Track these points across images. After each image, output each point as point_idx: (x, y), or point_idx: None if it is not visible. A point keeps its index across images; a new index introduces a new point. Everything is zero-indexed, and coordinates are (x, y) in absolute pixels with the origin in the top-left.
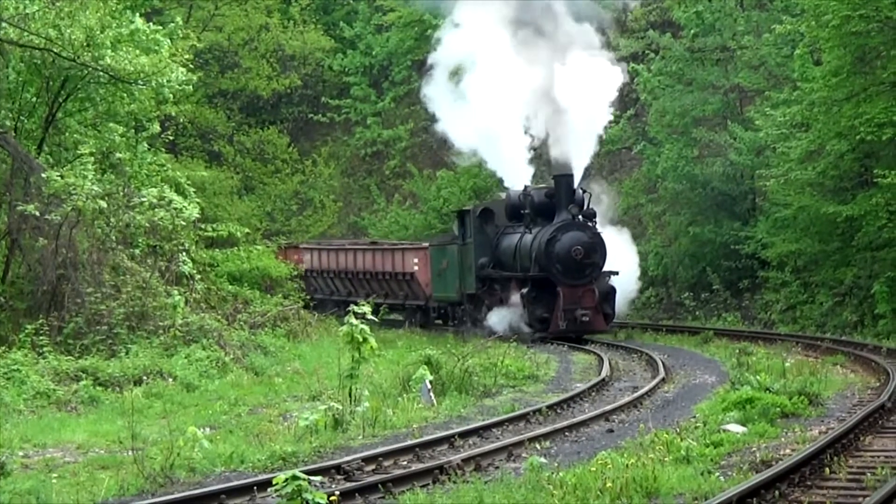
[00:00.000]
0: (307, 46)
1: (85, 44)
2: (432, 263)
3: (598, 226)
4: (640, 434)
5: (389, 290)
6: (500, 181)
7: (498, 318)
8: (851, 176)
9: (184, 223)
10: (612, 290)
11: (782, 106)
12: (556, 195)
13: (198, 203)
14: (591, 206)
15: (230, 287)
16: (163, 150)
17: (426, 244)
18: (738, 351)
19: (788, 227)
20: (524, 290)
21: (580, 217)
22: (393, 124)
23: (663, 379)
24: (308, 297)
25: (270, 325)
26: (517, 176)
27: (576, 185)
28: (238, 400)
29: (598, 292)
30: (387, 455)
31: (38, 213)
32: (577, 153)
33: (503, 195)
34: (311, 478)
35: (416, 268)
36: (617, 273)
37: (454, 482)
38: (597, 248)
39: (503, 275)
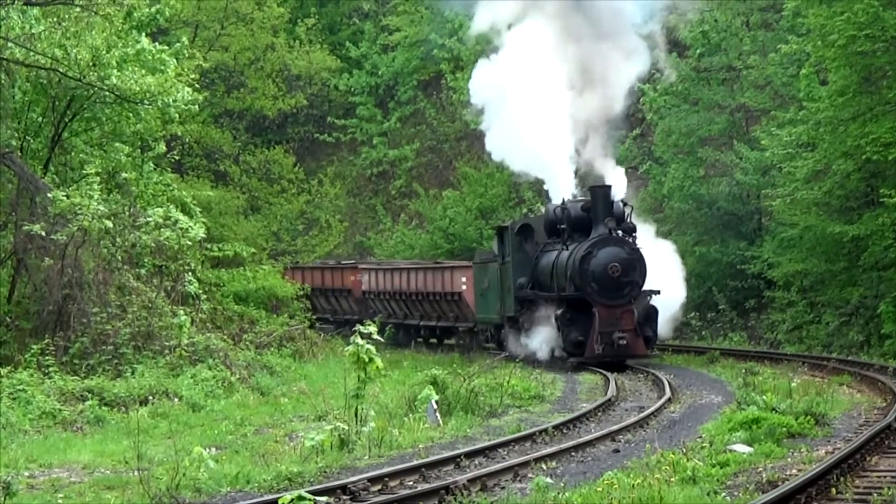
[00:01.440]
0: (313, 66)
1: (91, 63)
2: (476, 283)
3: (639, 240)
4: (647, 454)
5: (441, 311)
6: (545, 193)
7: (537, 343)
8: (857, 196)
9: (189, 243)
10: (654, 311)
11: (788, 125)
12: (592, 208)
13: (203, 223)
14: (631, 221)
15: (236, 307)
16: (169, 169)
17: (471, 262)
18: (744, 371)
19: (794, 246)
20: (558, 312)
21: (618, 231)
22: (399, 144)
23: (669, 399)
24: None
25: (276, 345)
26: (560, 187)
27: (616, 197)
28: (244, 420)
29: (637, 313)
30: (393, 475)
31: (43, 233)
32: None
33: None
34: (317, 498)
35: (464, 287)
36: (658, 292)
37: (460, 502)
38: (636, 265)
39: (539, 295)
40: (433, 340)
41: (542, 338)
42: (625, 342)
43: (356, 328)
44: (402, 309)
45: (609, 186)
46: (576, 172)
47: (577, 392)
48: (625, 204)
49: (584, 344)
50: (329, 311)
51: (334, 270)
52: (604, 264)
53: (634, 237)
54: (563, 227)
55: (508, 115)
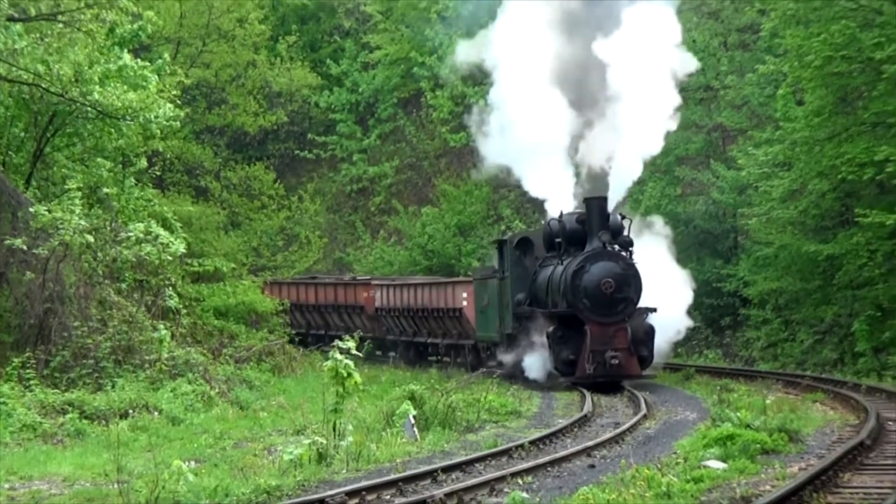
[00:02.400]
0: (294, 83)
1: (73, 79)
2: (476, 299)
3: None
4: (622, 470)
5: (445, 328)
6: (542, 204)
7: (532, 362)
8: (832, 215)
9: (170, 258)
10: (651, 330)
11: (765, 145)
12: (587, 221)
13: (184, 238)
14: (628, 235)
15: (216, 322)
16: (150, 185)
17: (472, 278)
18: (719, 388)
19: (770, 265)
20: (549, 329)
21: (614, 245)
22: (378, 161)
23: (645, 415)
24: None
25: (256, 360)
26: (560, 200)
27: (617, 210)
28: (223, 434)
29: (631, 331)
30: (370, 489)
31: (25, 247)
32: (616, 173)
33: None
34: None
35: (464, 303)
36: (655, 310)
37: None
38: (630, 281)
39: (535, 312)
40: (446, 359)
41: (537, 356)
42: (617, 362)
43: (334, 344)
44: (411, 326)
45: (604, 198)
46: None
47: (553, 408)
48: (623, 217)
49: (576, 363)
50: (342, 328)
51: (347, 286)
52: (597, 280)
53: (631, 252)
54: (558, 240)
55: (512, 136)
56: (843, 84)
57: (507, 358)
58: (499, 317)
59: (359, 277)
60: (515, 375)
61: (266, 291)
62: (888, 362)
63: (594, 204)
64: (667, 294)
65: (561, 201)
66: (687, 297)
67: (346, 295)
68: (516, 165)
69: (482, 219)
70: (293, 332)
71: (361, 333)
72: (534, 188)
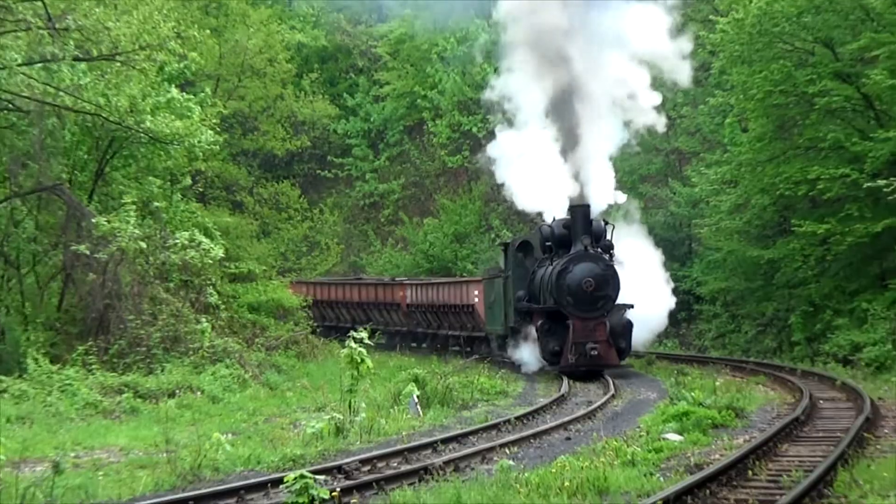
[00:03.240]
0: (315, 113)
1: (129, 110)
2: (485, 296)
3: (616, 259)
4: (594, 441)
5: (461, 322)
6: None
7: (527, 353)
8: (772, 225)
9: (211, 261)
10: (628, 324)
11: (714, 166)
12: (572, 226)
13: (222, 244)
14: (610, 239)
15: (249, 315)
16: (193, 199)
17: (482, 277)
18: (676, 372)
19: (719, 267)
20: (538, 323)
21: (595, 248)
22: (387, 179)
23: (613, 395)
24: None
25: (283, 348)
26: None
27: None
28: (255, 410)
29: (610, 325)
30: (380, 458)
31: (88, 252)
32: (597, 185)
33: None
34: (317, 476)
35: (476, 300)
36: (632, 306)
37: (437, 481)
38: (609, 281)
39: (529, 307)
40: (467, 349)
41: (533, 347)
42: (596, 353)
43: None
44: (435, 320)
45: (587, 206)
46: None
47: (535, 389)
48: (606, 223)
49: (561, 353)
50: (382, 322)
51: (386, 286)
52: (579, 279)
53: (612, 254)
54: (548, 243)
55: (516, 165)
56: (781, 114)
57: (510, 348)
58: (504, 312)
59: (396, 279)
60: (519, 363)
61: (315, 291)
62: (819, 350)
63: (578, 211)
64: (653, 292)
65: (555, 210)
66: (668, 295)
67: (384, 293)
68: (516, 182)
69: (475, 228)
70: (334, 325)
71: (398, 327)
72: (535, 199)
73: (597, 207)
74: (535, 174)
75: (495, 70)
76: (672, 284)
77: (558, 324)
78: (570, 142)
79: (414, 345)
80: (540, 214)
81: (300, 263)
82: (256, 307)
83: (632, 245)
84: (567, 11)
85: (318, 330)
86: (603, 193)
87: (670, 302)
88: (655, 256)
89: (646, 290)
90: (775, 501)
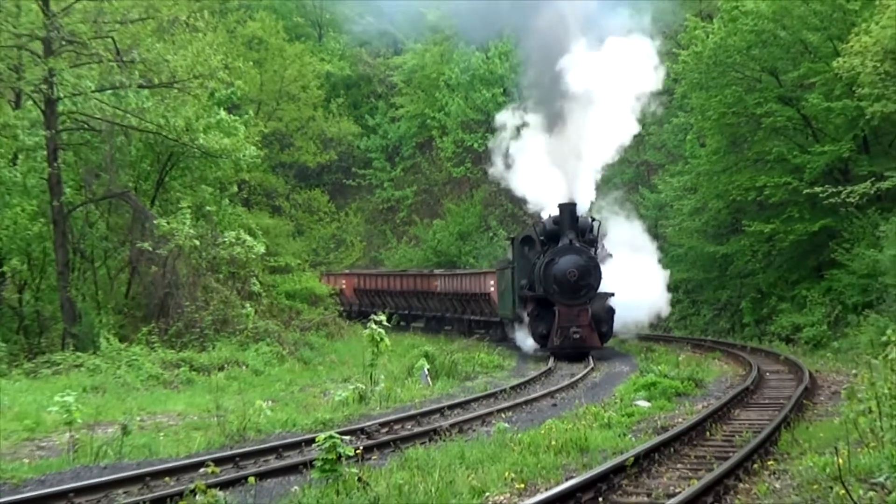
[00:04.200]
0: (341, 132)
1: (185, 129)
2: (498, 285)
3: (599, 251)
4: (576, 407)
5: (480, 308)
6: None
7: (523, 335)
8: (726, 225)
9: (254, 256)
10: (610, 310)
11: (677, 175)
12: (560, 222)
13: (264, 242)
14: (595, 234)
15: (286, 301)
16: (239, 204)
17: (495, 268)
18: (645, 349)
19: (681, 261)
20: (529, 309)
21: (579, 242)
22: (402, 187)
23: (592, 368)
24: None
25: (315, 329)
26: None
27: (587, 214)
28: (291, 381)
29: (593, 312)
30: (396, 421)
31: (151, 249)
32: (583, 186)
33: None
34: (343, 437)
35: (491, 288)
36: (613, 294)
37: (444, 441)
38: (591, 271)
39: (526, 295)
40: (486, 331)
41: (527, 331)
42: (579, 336)
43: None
44: (460, 306)
45: (574, 204)
46: None
47: (527, 364)
48: (593, 220)
49: (549, 336)
50: (419, 308)
51: (422, 277)
52: (563, 270)
53: (596, 248)
54: (541, 238)
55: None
56: (733, 131)
57: (515, 331)
58: (511, 299)
59: (430, 270)
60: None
61: (364, 281)
62: (766, 330)
63: (565, 209)
64: (647, 282)
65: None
66: (662, 286)
67: (420, 283)
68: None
69: (476, 228)
70: (389, 312)
71: (433, 313)
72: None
73: (587, 206)
74: (537, 176)
75: (504, 92)
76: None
77: (546, 310)
78: (562, 150)
79: (448, 328)
80: (538, 212)
81: (329, 258)
82: (292, 294)
83: (630, 241)
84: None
85: (365, 313)
86: (590, 194)
87: (663, 291)
88: (651, 251)
89: (640, 281)
90: (729, 457)
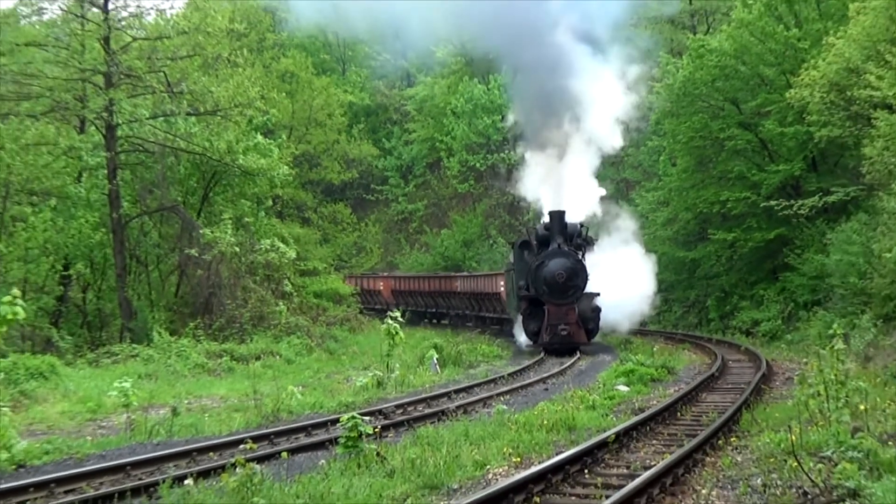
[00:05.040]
0: (362, 153)
1: (227, 151)
2: (506, 285)
3: (586, 255)
4: (565, 391)
5: (493, 306)
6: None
7: (519, 332)
8: (694, 234)
9: (286, 261)
10: (596, 309)
11: (652, 191)
12: (550, 228)
13: (295, 249)
14: (582, 239)
15: (314, 300)
16: (273, 215)
17: (504, 270)
18: (624, 341)
19: (656, 264)
20: (523, 308)
21: (567, 246)
22: (414, 201)
23: (578, 358)
24: (458, 313)
25: (339, 324)
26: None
27: (575, 221)
28: (319, 369)
29: (579, 310)
30: (409, 403)
31: (197, 255)
32: (572, 199)
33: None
34: (363, 417)
35: (501, 288)
36: (599, 294)
37: (451, 420)
38: (578, 273)
39: (521, 295)
40: (496, 327)
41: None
42: (566, 332)
43: (388, 314)
44: (476, 304)
45: (563, 211)
46: None
47: (522, 354)
48: (581, 225)
49: (539, 333)
50: (444, 307)
51: (445, 278)
52: (552, 272)
53: (583, 252)
54: (534, 242)
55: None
56: (700, 153)
57: (516, 327)
58: (514, 298)
59: (452, 272)
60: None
61: (399, 283)
62: (728, 324)
63: (555, 215)
64: (639, 285)
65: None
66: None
67: (445, 284)
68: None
69: (478, 236)
70: (414, 310)
71: (455, 310)
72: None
73: (577, 214)
74: (538, 186)
75: (502, 119)
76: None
77: (538, 308)
78: (553, 164)
79: (469, 324)
80: (534, 220)
81: (351, 263)
82: (319, 294)
83: (624, 248)
84: (555, 83)
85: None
86: (579, 203)
87: (650, 292)
88: (642, 257)
89: (630, 283)
90: (697, 434)
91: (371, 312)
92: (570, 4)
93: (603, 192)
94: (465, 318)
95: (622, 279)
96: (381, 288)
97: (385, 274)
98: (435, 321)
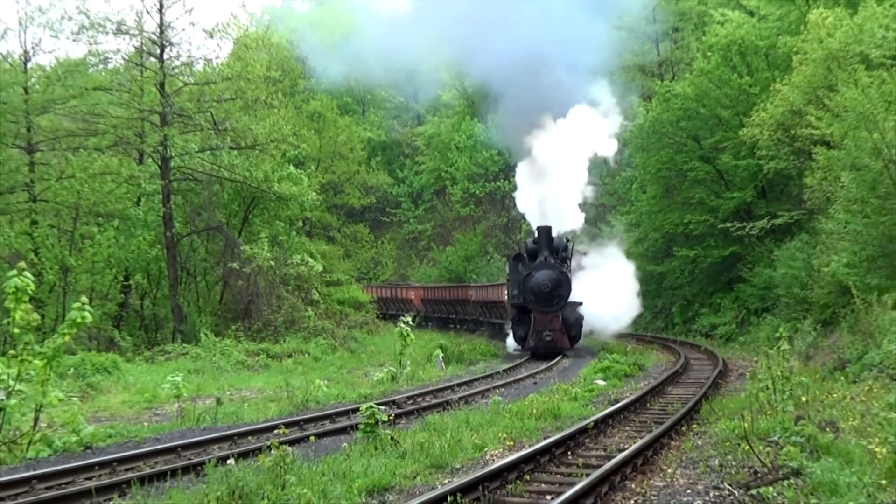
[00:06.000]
0: (379, 182)
1: (263, 179)
2: (507, 294)
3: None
4: (551, 385)
5: (498, 313)
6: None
7: (509, 337)
8: (661, 251)
9: (314, 273)
10: (579, 317)
11: (626, 214)
12: (538, 242)
13: (321, 263)
14: (567, 253)
15: (338, 306)
16: (303, 234)
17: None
18: (602, 342)
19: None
20: (512, 315)
21: (553, 259)
22: (423, 222)
23: (563, 357)
24: (473, 318)
25: (359, 327)
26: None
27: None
28: (341, 366)
29: (563, 318)
30: (419, 395)
31: (238, 268)
32: (557, 216)
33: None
34: (380, 406)
35: (504, 297)
36: (581, 303)
37: (454, 409)
38: (562, 284)
39: (512, 303)
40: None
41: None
42: (550, 338)
43: (402, 318)
44: (487, 312)
45: (549, 227)
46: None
47: (515, 353)
48: (567, 240)
49: (526, 338)
50: (461, 313)
51: (461, 288)
52: (539, 282)
53: (568, 265)
54: (524, 255)
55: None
56: (667, 182)
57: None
58: (509, 306)
59: (470, 284)
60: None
61: (427, 292)
62: (690, 328)
63: (542, 230)
64: (621, 295)
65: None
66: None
67: (462, 293)
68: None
69: (477, 252)
70: (436, 315)
71: (470, 317)
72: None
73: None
74: (530, 204)
75: (498, 153)
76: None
77: (525, 315)
78: (540, 187)
79: (483, 329)
80: (524, 236)
81: (369, 275)
82: (342, 301)
83: (612, 262)
84: (542, 120)
85: (430, 319)
86: (565, 220)
87: (635, 302)
88: (629, 271)
89: (616, 294)
90: (664, 422)
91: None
92: (560, 48)
93: (582, 216)
94: (479, 323)
95: (609, 293)
96: (413, 297)
97: (416, 284)
98: (457, 326)
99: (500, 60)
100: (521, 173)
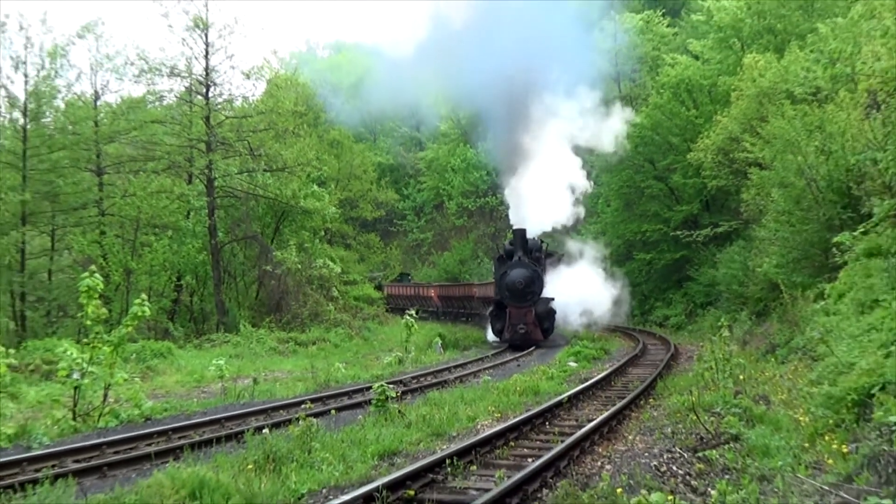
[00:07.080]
0: (387, 198)
1: (292, 196)
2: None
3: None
4: (532, 367)
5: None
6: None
7: (489, 330)
8: (623, 255)
9: (334, 274)
10: (551, 311)
11: (593, 224)
12: (514, 244)
13: (340, 265)
14: (540, 253)
15: (354, 302)
16: (325, 242)
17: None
18: (574, 331)
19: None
20: (490, 310)
21: (527, 259)
22: (424, 232)
23: (536, 347)
24: (477, 312)
25: (371, 319)
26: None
27: (534, 237)
28: (357, 351)
29: (536, 312)
30: (421, 375)
31: (271, 270)
32: (533, 220)
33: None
34: (389, 385)
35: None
36: (553, 299)
37: (451, 387)
38: (535, 281)
39: (492, 299)
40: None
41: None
42: (524, 331)
43: (408, 312)
44: (486, 306)
45: (524, 230)
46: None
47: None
48: (542, 242)
49: (503, 330)
50: (469, 308)
51: (468, 286)
52: (513, 280)
53: (543, 265)
54: (502, 255)
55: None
56: (627, 198)
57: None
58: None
59: (474, 282)
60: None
61: (442, 290)
62: (647, 319)
63: (517, 233)
64: (596, 292)
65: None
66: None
67: (467, 290)
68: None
69: (470, 256)
70: (450, 310)
71: (474, 311)
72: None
73: (537, 231)
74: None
75: (488, 173)
76: (615, 290)
77: (502, 310)
78: (518, 190)
79: (484, 321)
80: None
81: (379, 276)
82: (358, 298)
83: (586, 265)
84: (524, 140)
85: (445, 312)
86: (540, 223)
87: (609, 298)
88: (599, 273)
89: (591, 291)
90: (626, 397)
91: (425, 315)
92: (542, 75)
93: (554, 219)
94: (482, 316)
95: (586, 290)
96: (433, 294)
97: (436, 283)
98: (466, 319)
99: (484, 90)
100: (510, 192)
